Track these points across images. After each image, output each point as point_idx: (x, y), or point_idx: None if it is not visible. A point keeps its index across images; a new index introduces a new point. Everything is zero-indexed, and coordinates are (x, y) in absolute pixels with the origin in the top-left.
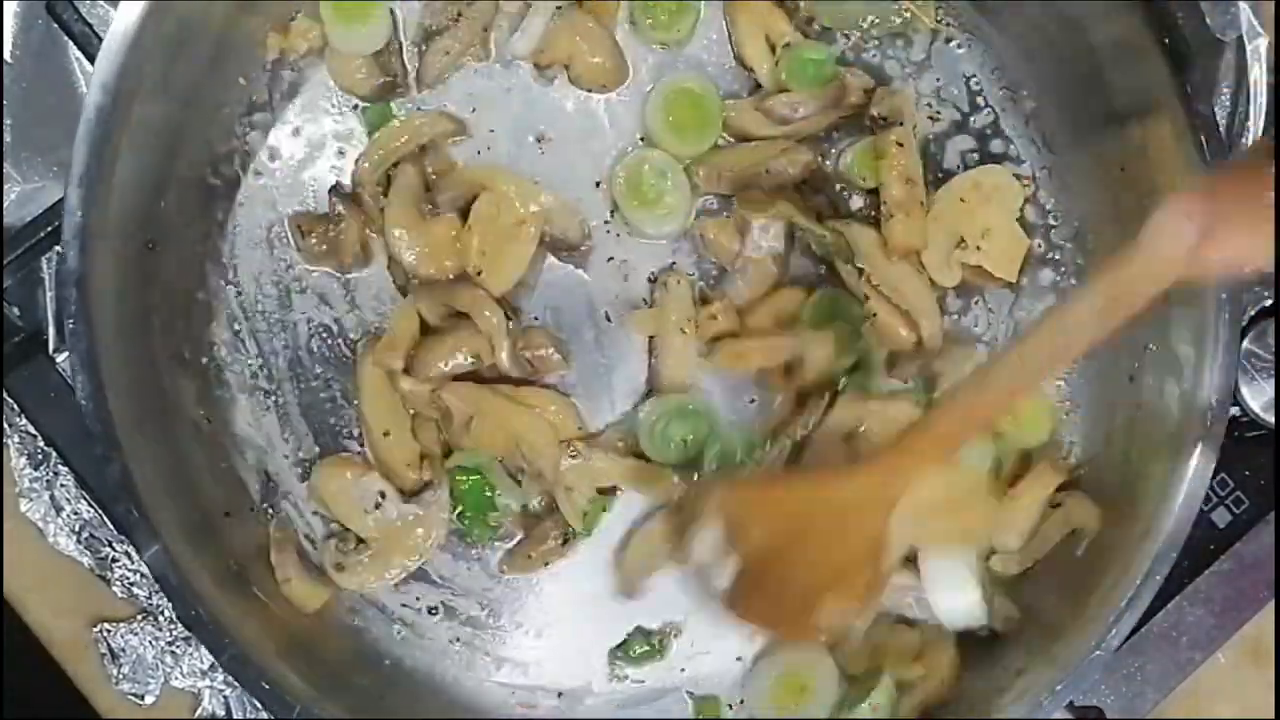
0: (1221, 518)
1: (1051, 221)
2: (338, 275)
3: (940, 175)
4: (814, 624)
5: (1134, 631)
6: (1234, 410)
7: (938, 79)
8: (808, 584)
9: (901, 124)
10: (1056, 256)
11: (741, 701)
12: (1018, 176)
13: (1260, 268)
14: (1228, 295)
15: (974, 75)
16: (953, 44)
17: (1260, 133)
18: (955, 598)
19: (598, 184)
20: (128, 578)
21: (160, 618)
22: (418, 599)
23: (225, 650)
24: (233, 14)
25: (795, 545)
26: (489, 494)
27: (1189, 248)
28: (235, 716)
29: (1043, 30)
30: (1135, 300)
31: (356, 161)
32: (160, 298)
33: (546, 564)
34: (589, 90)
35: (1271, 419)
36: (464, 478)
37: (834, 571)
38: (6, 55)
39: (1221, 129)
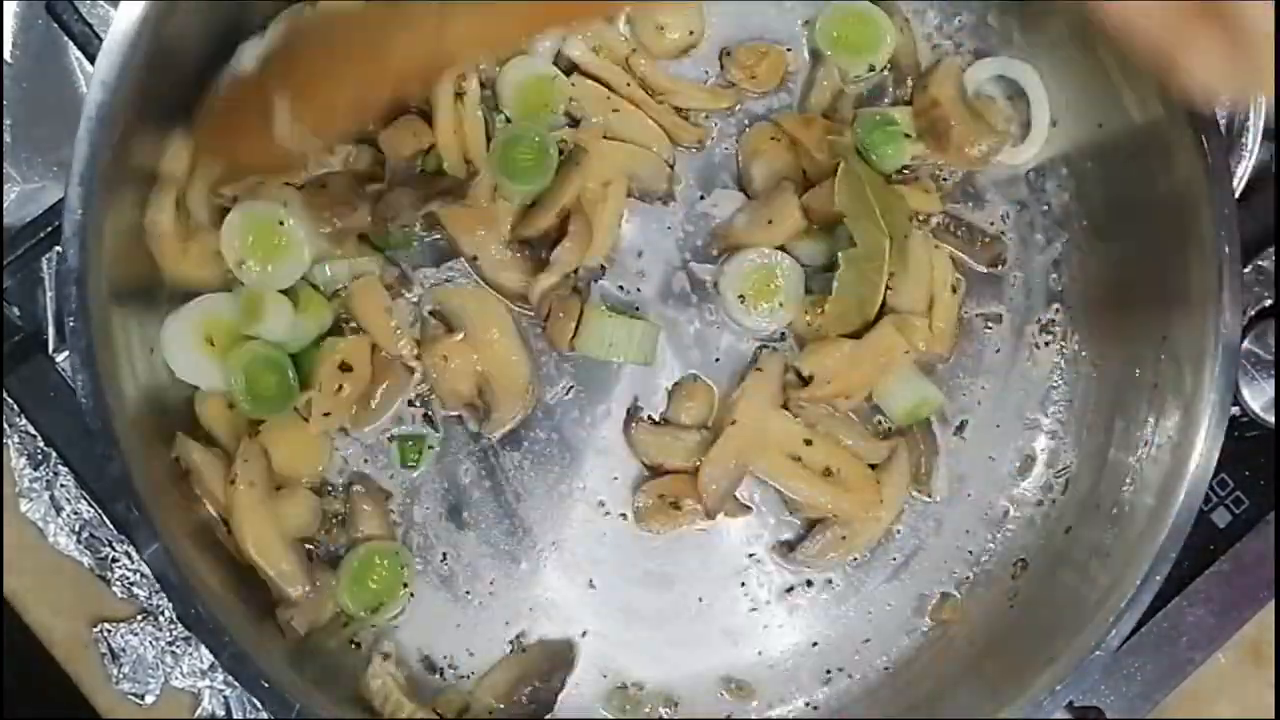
0: (1221, 518)
1: None
2: None
3: None
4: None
5: (1134, 631)
6: (1234, 410)
7: None
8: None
9: None
10: None
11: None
12: None
13: None
14: (1226, 295)
15: None
16: None
17: (1260, 133)
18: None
19: None
20: (128, 578)
21: (160, 618)
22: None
23: (225, 649)
24: (234, 13)
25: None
26: None
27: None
28: (235, 716)
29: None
30: None
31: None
32: (160, 297)
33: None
34: None
35: (1271, 419)
36: None
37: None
38: (6, 55)
39: (1221, 129)
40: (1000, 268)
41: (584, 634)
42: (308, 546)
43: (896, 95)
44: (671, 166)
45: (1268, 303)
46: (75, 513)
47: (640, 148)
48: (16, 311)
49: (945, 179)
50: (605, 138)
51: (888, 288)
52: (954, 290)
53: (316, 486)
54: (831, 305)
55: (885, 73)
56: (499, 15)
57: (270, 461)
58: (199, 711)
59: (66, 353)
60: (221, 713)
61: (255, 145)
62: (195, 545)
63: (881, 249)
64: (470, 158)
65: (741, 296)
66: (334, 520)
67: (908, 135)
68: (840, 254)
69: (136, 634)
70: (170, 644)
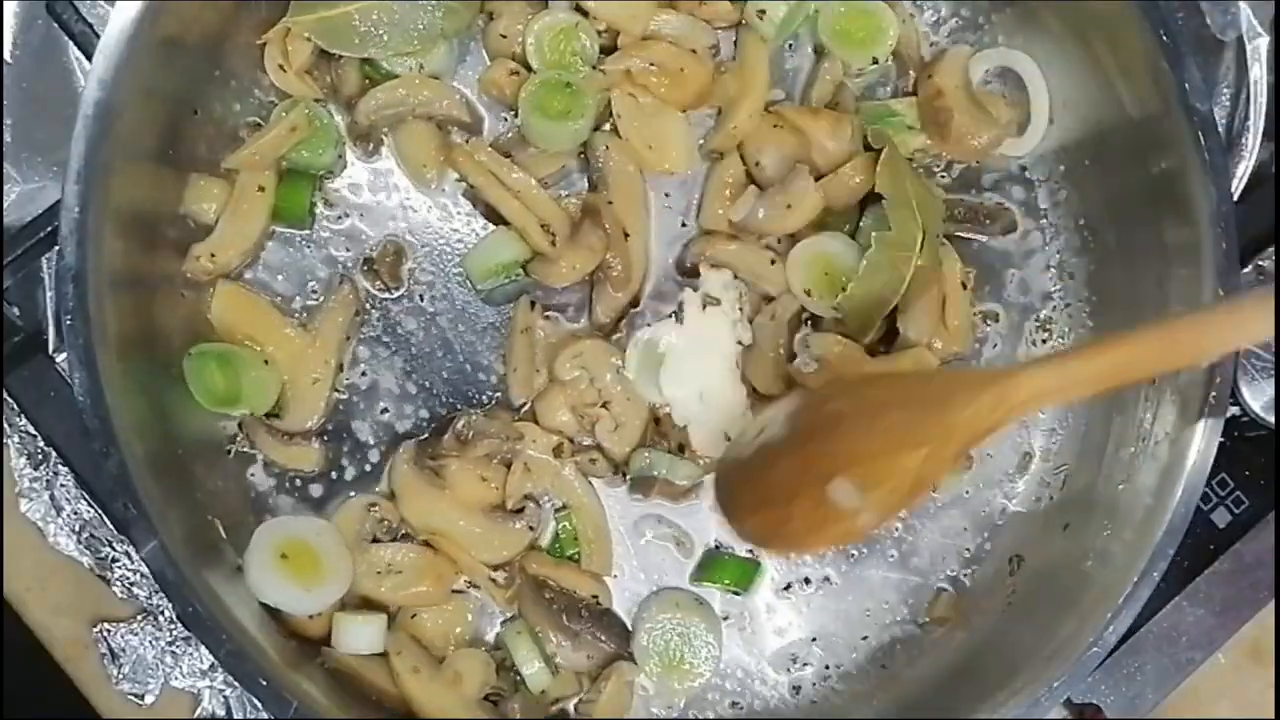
0: (1221, 518)
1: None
2: None
3: None
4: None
5: (1134, 631)
6: (1234, 410)
7: None
8: (824, 470)
9: None
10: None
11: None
12: None
13: None
14: (1226, 294)
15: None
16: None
17: (1260, 133)
18: None
19: None
20: (128, 578)
21: (160, 618)
22: None
23: (222, 647)
24: (229, 12)
25: (836, 428)
26: None
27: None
28: (235, 716)
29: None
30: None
31: None
32: (159, 294)
33: None
34: None
35: (1271, 419)
36: None
37: (862, 462)
38: (6, 55)
39: (1221, 129)
40: (1015, 234)
41: None
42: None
43: (898, 86)
44: None
45: None
46: (75, 513)
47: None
48: (16, 311)
49: (944, 176)
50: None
51: (898, 310)
52: (964, 286)
53: (472, 640)
54: (856, 285)
55: (889, 62)
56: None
57: (422, 642)
58: (199, 711)
59: (66, 353)
60: (221, 713)
61: (809, 525)
62: (193, 541)
63: (914, 238)
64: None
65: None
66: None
67: (911, 127)
68: (874, 235)
69: (136, 634)
70: (170, 644)
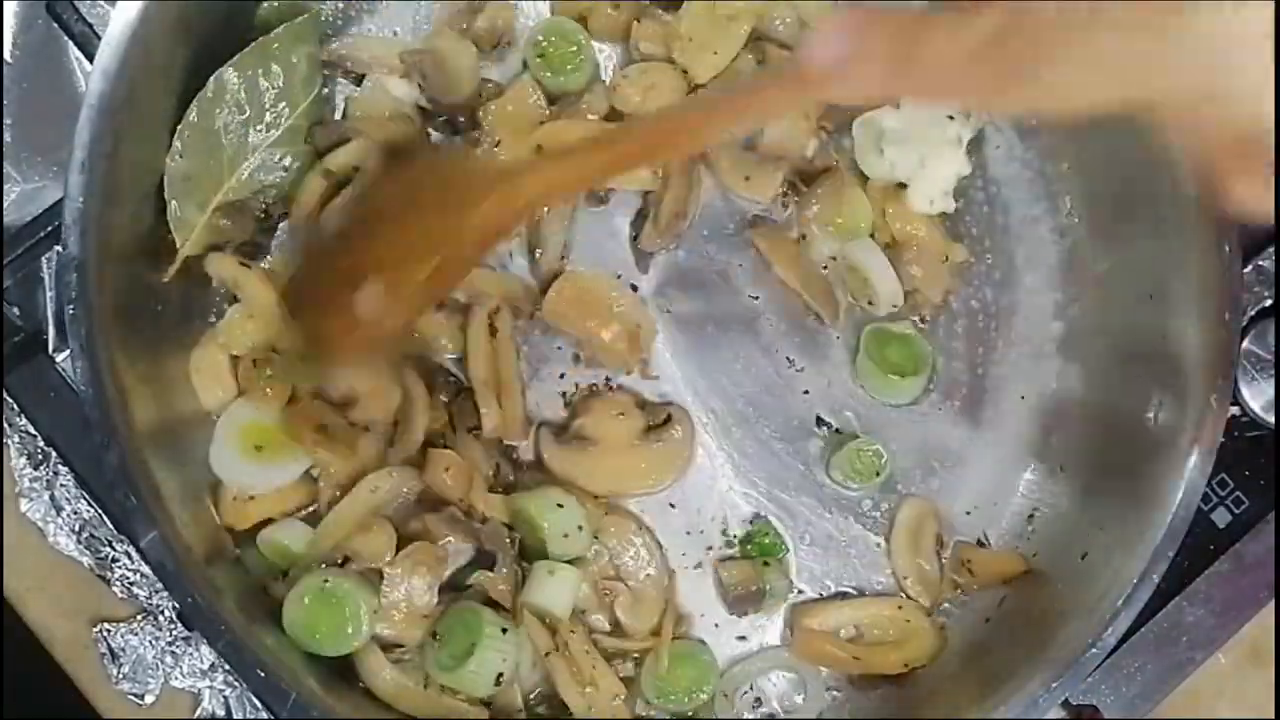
0: (1221, 518)
1: None
2: None
3: None
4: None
5: (1134, 631)
6: (1234, 410)
7: None
8: (393, 257)
9: None
10: None
11: None
12: None
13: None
14: (1226, 294)
15: None
16: None
17: None
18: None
19: None
20: (128, 577)
21: (160, 617)
22: None
23: (221, 638)
24: (233, 4)
25: (406, 212)
26: None
27: (833, 65)
28: (235, 716)
29: None
30: (772, 104)
31: None
32: (161, 284)
33: None
34: None
35: (1271, 419)
36: None
37: (426, 246)
38: (6, 55)
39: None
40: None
41: None
42: None
43: None
44: None
45: (1268, 303)
46: (75, 513)
47: None
48: (16, 311)
49: None
50: None
51: None
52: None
53: None
54: None
55: None
56: (574, 160)
57: None
58: (199, 711)
59: (66, 352)
60: (221, 713)
61: (341, 321)
62: (192, 533)
63: None
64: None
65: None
66: None
67: None
68: None
69: (136, 634)
70: (170, 644)
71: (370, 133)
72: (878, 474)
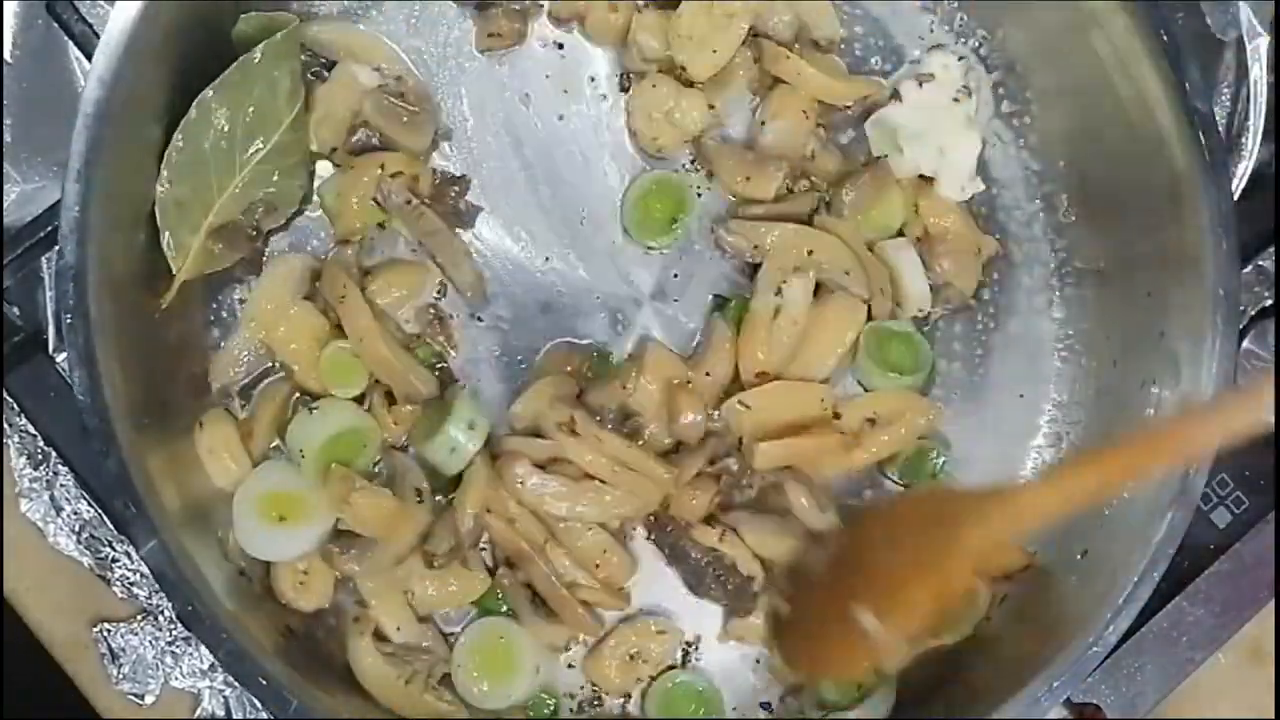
0: (1221, 518)
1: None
2: None
3: None
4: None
5: (1134, 631)
6: None
7: None
8: (885, 589)
9: None
10: None
11: None
12: None
13: None
14: (1226, 294)
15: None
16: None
17: (1260, 133)
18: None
19: None
20: (128, 578)
21: (160, 618)
22: None
23: (222, 645)
24: (229, 10)
25: (887, 550)
26: None
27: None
28: (235, 716)
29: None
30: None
31: None
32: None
33: None
34: None
35: (1271, 419)
36: None
37: (917, 578)
38: (6, 55)
39: (1221, 129)
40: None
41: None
42: None
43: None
44: None
45: (1268, 303)
46: (75, 513)
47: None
48: (16, 311)
49: None
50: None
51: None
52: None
53: None
54: None
55: None
56: (1052, 490)
57: None
58: (199, 712)
59: (66, 352)
60: (221, 713)
61: (842, 653)
62: (193, 540)
63: None
64: None
65: None
66: None
67: None
68: None
69: (136, 634)
70: (170, 644)
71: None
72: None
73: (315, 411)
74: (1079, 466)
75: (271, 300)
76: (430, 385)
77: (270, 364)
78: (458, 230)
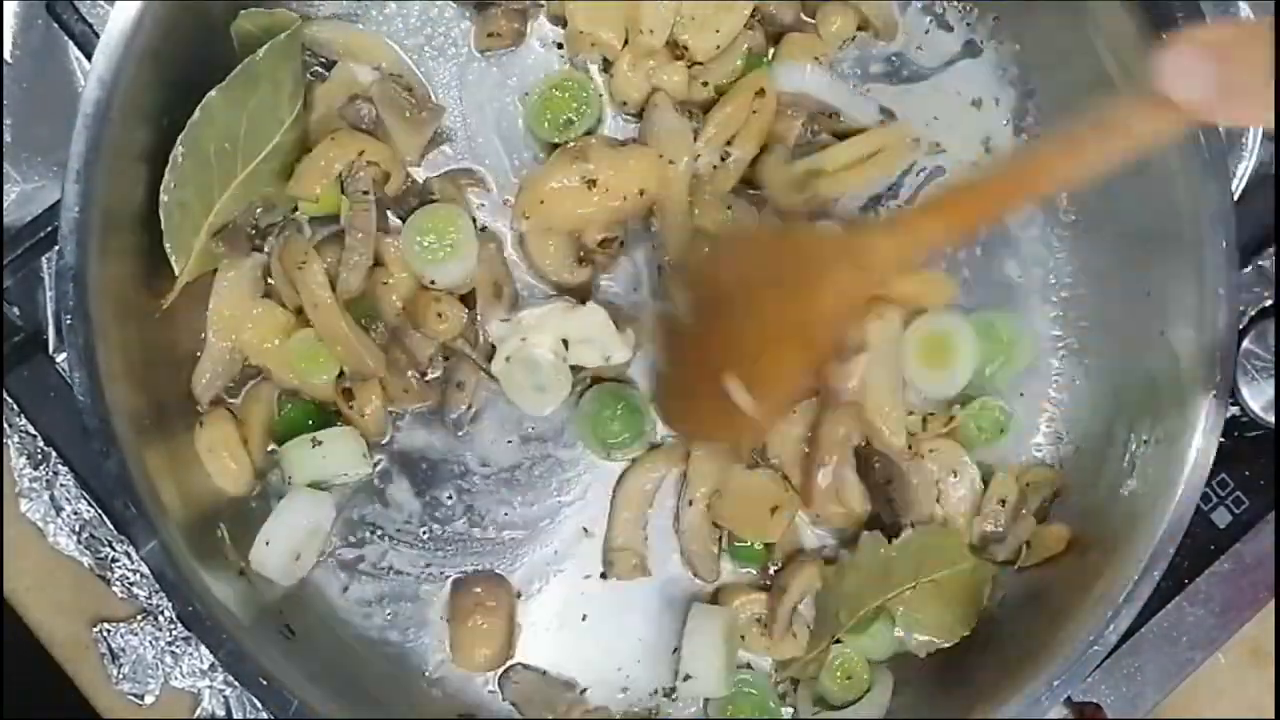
0: (1221, 518)
1: None
2: None
3: None
4: (749, 400)
5: (1134, 631)
6: (1234, 410)
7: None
8: (756, 344)
9: None
10: None
11: None
12: None
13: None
14: (1225, 294)
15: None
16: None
17: (1260, 133)
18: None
19: None
20: (128, 578)
21: (160, 618)
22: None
23: (222, 646)
24: (229, 11)
25: (759, 294)
26: None
27: (1199, 97)
28: (235, 716)
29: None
30: (1139, 134)
31: None
32: (158, 293)
33: None
34: None
35: (1271, 419)
36: None
37: (788, 331)
38: (6, 55)
39: (1221, 129)
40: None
41: None
42: None
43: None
44: None
45: (1268, 303)
46: (75, 513)
47: None
48: (16, 311)
49: None
50: None
51: None
52: None
53: None
54: None
55: None
56: (929, 219)
57: None
58: (199, 711)
59: (66, 353)
60: (221, 713)
61: (720, 420)
62: (193, 541)
63: None
64: None
65: None
66: None
67: None
68: None
69: (136, 634)
70: (170, 644)
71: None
72: (1002, 431)
73: (318, 447)
74: (955, 190)
75: (231, 305)
76: (380, 364)
77: (249, 366)
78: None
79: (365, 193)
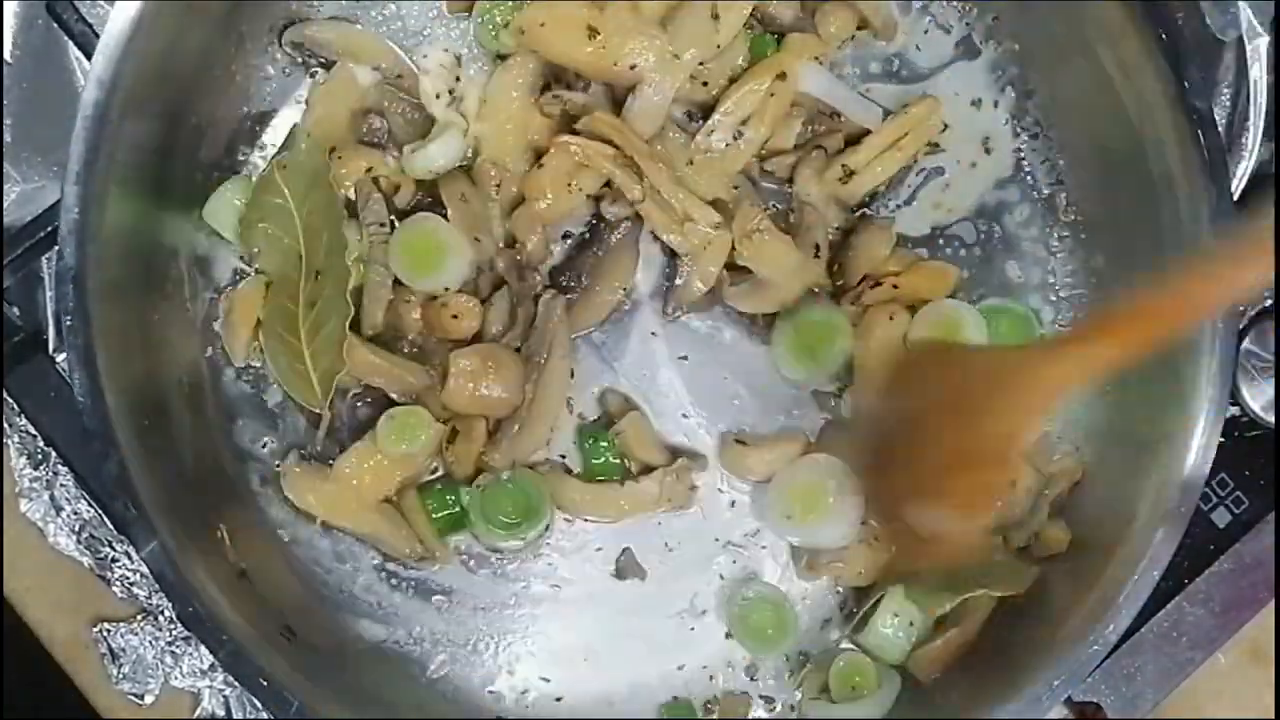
0: (1221, 518)
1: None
2: None
3: None
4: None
5: (1134, 631)
6: (1234, 410)
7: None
8: (948, 454)
9: None
10: None
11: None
12: None
13: None
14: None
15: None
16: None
17: (1260, 133)
18: None
19: None
20: (128, 577)
21: (160, 618)
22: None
23: (223, 646)
24: (230, 11)
25: (948, 410)
26: None
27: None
28: (235, 716)
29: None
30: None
31: None
32: (159, 295)
33: None
34: None
35: (1271, 419)
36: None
37: (977, 442)
38: (6, 55)
39: (1221, 129)
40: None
41: None
42: None
43: None
44: None
45: (1268, 303)
46: (75, 513)
47: None
48: (16, 311)
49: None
50: None
51: None
52: None
53: None
54: None
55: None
56: (1105, 339)
57: None
58: (199, 711)
59: (66, 353)
60: (221, 713)
61: (923, 550)
62: (193, 542)
63: None
64: None
65: None
66: None
67: None
68: None
69: (136, 634)
70: (170, 644)
71: None
72: None
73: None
74: (1131, 311)
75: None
76: (421, 377)
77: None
78: None
79: (381, 225)
